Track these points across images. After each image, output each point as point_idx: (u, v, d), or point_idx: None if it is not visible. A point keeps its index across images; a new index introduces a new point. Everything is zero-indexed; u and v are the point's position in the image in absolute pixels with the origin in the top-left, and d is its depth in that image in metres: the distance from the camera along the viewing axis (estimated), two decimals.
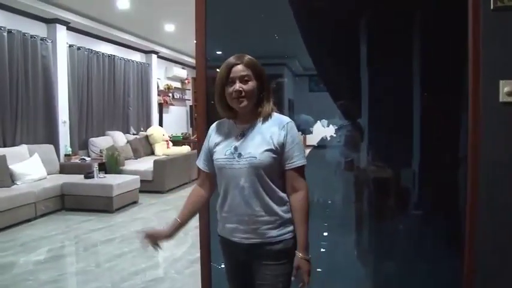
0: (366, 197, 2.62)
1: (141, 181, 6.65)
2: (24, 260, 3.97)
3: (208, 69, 2.35)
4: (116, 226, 5.24)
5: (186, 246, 4.22)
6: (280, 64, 2.73)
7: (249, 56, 1.63)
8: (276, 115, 1.67)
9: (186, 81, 11.75)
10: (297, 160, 1.61)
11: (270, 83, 1.69)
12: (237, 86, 1.58)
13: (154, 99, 10.04)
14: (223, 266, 1.84)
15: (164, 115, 10.60)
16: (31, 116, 6.35)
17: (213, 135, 1.73)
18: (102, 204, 5.82)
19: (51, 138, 6.73)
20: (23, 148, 5.99)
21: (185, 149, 9.41)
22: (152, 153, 8.88)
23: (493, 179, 1.92)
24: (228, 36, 2.50)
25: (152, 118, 9.94)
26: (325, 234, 2.64)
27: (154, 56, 9.97)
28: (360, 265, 2.68)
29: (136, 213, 5.97)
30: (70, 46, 7.20)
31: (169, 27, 8.17)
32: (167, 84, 10.73)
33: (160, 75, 10.55)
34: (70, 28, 7.16)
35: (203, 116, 2.38)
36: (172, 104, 11.04)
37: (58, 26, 6.79)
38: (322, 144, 2.54)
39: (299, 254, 1.60)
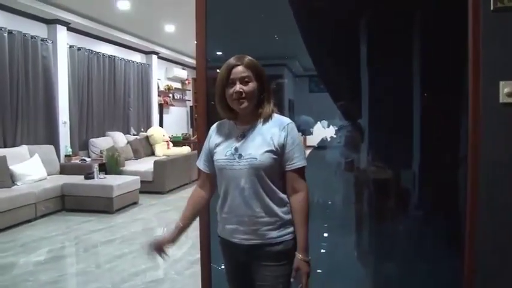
0: (366, 198, 2.61)
1: (142, 182, 6.65)
2: (24, 261, 3.97)
3: (208, 70, 2.35)
4: (116, 227, 5.24)
5: (186, 247, 4.22)
6: (281, 65, 2.73)
7: (250, 57, 1.63)
8: (276, 116, 1.67)
9: (187, 82, 11.75)
10: (297, 161, 1.61)
11: (270, 84, 1.69)
12: (237, 87, 1.58)
13: (155, 100, 10.04)
14: (223, 267, 1.84)
15: (164, 116, 10.60)
16: (31, 116, 6.35)
17: (213, 136, 1.73)
18: (103, 205, 5.82)
19: (52, 138, 6.74)
20: (23, 149, 6.00)
21: (185, 149, 9.41)
22: (152, 153, 8.88)
23: (493, 179, 1.92)
24: (229, 36, 2.50)
25: (152, 119, 9.95)
26: (325, 235, 2.64)
27: (154, 57, 9.98)
28: (360, 266, 2.68)
29: (136, 214, 5.97)
30: (70, 47, 7.21)
31: (170, 28, 8.17)
32: (167, 85, 10.73)
33: (161, 76, 10.55)
34: (70, 29, 7.17)
35: (203, 117, 2.37)
36: (172, 105, 11.05)
37: (58, 26, 6.80)
38: (323, 145, 2.54)
39: (299, 256, 1.59)
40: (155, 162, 7.27)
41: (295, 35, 2.47)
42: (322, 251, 2.57)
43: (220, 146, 1.67)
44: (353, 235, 2.68)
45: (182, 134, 10.94)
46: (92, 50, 7.78)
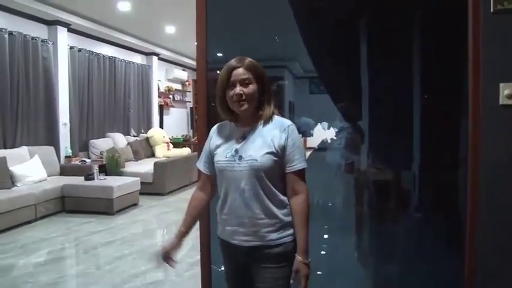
0: (366, 200, 2.61)
1: (142, 183, 6.65)
2: (24, 262, 3.97)
3: (209, 71, 2.35)
4: (116, 228, 5.23)
5: (186, 248, 4.20)
6: (281, 66, 2.73)
7: (250, 59, 1.63)
8: (277, 118, 1.66)
9: (187, 83, 11.76)
10: (297, 163, 1.60)
11: (270, 86, 1.69)
12: (238, 89, 1.58)
13: (155, 101, 10.04)
14: (223, 268, 1.84)
15: (165, 117, 10.61)
16: (31, 117, 6.35)
17: (214, 138, 1.73)
18: (103, 206, 5.82)
19: (52, 139, 6.74)
20: (23, 150, 5.99)
21: (185, 151, 9.41)
22: (153, 155, 8.88)
23: (493, 179, 1.92)
24: (229, 38, 2.50)
25: (153, 120, 9.95)
26: (326, 236, 2.64)
27: (155, 58, 9.98)
28: (360, 267, 2.68)
29: (136, 215, 5.96)
30: (71, 48, 7.22)
31: (170, 29, 8.18)
32: (168, 86, 10.73)
33: (161, 77, 10.56)
34: (71, 30, 7.18)
35: (204, 118, 2.37)
36: (172, 106, 11.05)
37: (59, 27, 6.80)
38: (323, 147, 2.54)
39: (298, 258, 1.59)
40: (155, 164, 7.27)
41: (295, 36, 2.48)
42: (322, 252, 2.57)
43: (220, 148, 1.67)
44: (353, 237, 2.68)
45: (182, 136, 10.94)
46: (92, 51, 7.79)
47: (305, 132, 2.57)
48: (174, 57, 10.69)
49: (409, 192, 2.53)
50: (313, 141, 2.58)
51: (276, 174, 1.60)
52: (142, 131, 9.37)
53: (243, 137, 1.63)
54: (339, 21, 2.49)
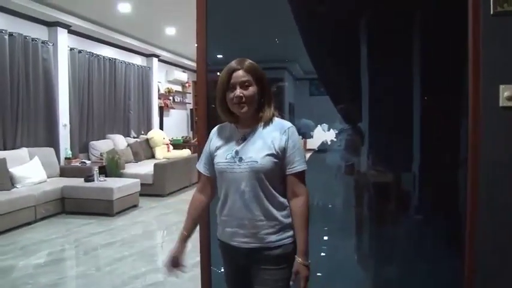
0: (366, 201, 2.61)
1: (142, 184, 6.64)
2: (24, 264, 3.97)
3: (209, 73, 2.35)
4: (116, 230, 5.23)
5: (186, 250, 4.21)
6: (281, 68, 2.73)
7: (250, 61, 1.63)
8: (277, 120, 1.67)
9: (187, 85, 11.76)
10: (297, 165, 1.61)
11: (270, 88, 1.69)
12: (238, 91, 1.58)
13: (155, 103, 10.05)
14: (223, 270, 1.84)
15: (165, 118, 10.61)
16: (31, 118, 6.35)
17: (214, 139, 1.73)
18: (103, 208, 5.82)
19: (52, 141, 6.74)
20: (23, 151, 5.99)
21: (185, 152, 9.41)
22: (153, 156, 8.88)
23: (493, 179, 1.92)
24: (229, 40, 2.50)
25: (153, 121, 9.95)
26: (325, 238, 2.64)
27: (155, 60, 9.99)
28: (360, 269, 2.68)
29: (136, 216, 5.96)
30: (71, 49, 7.22)
31: (170, 31, 8.19)
32: (168, 88, 10.74)
33: (161, 79, 10.56)
34: (71, 31, 7.18)
35: (204, 120, 2.38)
36: (172, 108, 11.05)
37: (59, 29, 6.81)
38: (323, 149, 2.54)
39: (298, 259, 1.59)
40: (155, 165, 7.27)
41: (295, 38, 2.48)
42: (322, 254, 2.57)
43: (220, 149, 1.67)
44: (353, 238, 2.68)
45: (182, 137, 10.95)
46: (92, 53, 7.80)
47: (305, 133, 2.57)
48: (174, 58, 10.70)
49: (409, 194, 2.53)
50: (313, 143, 2.58)
51: (276, 176, 1.60)
52: (143, 132, 9.37)
53: (243, 139, 1.64)
54: (339, 21, 2.49)
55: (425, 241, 2.43)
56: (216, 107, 1.68)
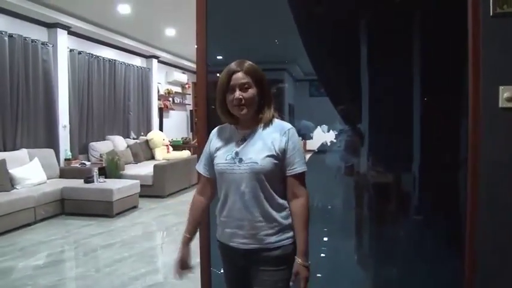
0: (366, 202, 2.61)
1: (141, 186, 6.64)
2: (24, 265, 3.96)
3: (208, 74, 2.35)
4: (116, 231, 5.23)
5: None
6: (281, 69, 2.73)
7: (250, 62, 1.63)
8: (277, 121, 1.67)
9: (187, 86, 11.77)
10: (297, 167, 1.61)
11: (270, 89, 1.69)
12: (237, 94, 1.58)
13: (155, 104, 10.05)
14: (222, 271, 1.84)
15: (164, 120, 10.61)
16: (31, 120, 6.35)
17: (214, 140, 1.73)
18: (102, 209, 5.81)
19: (51, 142, 6.73)
20: (23, 152, 5.99)
21: (185, 153, 9.40)
22: (152, 157, 8.87)
23: (493, 179, 1.92)
24: (229, 41, 2.51)
25: (152, 123, 9.95)
26: (325, 239, 2.64)
27: (154, 61, 9.99)
28: (360, 270, 2.68)
29: (136, 217, 5.96)
30: (71, 50, 7.22)
31: (170, 32, 8.19)
32: (167, 89, 10.74)
33: (161, 80, 10.56)
34: (71, 32, 7.18)
35: (203, 121, 2.38)
36: (172, 109, 11.05)
37: (59, 30, 6.81)
38: (323, 150, 2.55)
39: (298, 260, 1.59)
40: (155, 166, 7.27)
41: (295, 39, 2.48)
42: (322, 255, 2.57)
43: (220, 150, 1.67)
44: (353, 239, 2.68)
45: (182, 138, 10.94)
46: (92, 54, 7.80)
47: (305, 135, 2.57)
48: (174, 60, 10.70)
49: (409, 195, 2.53)
50: (313, 144, 2.58)
51: (276, 177, 1.61)
52: (142, 133, 9.37)
53: (243, 140, 1.64)
54: (339, 21, 2.49)
55: (426, 241, 2.43)
56: (216, 108, 1.69)
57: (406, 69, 2.39)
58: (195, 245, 2.39)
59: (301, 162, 1.62)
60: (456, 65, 2.17)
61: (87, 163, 7.15)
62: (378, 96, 2.47)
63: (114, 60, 8.49)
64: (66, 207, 5.91)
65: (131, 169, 7.55)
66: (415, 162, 2.42)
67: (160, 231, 5.48)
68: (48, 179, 6.11)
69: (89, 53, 7.71)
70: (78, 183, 6.05)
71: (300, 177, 1.63)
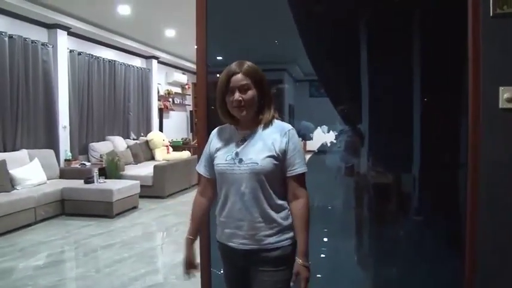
0: (366, 203, 2.61)
1: (141, 186, 6.64)
2: (24, 265, 3.96)
3: (208, 75, 2.35)
4: (115, 231, 5.23)
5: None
6: (281, 69, 2.74)
7: (249, 63, 1.62)
8: (277, 122, 1.67)
9: (187, 87, 11.76)
10: (298, 167, 1.61)
11: (270, 90, 1.69)
12: (237, 95, 1.58)
13: (155, 105, 10.05)
14: (222, 271, 1.84)
15: (164, 120, 10.61)
16: (31, 120, 6.35)
17: (214, 141, 1.73)
18: (102, 209, 5.81)
19: (52, 143, 6.73)
20: (23, 153, 5.99)
21: (185, 154, 9.40)
22: (152, 158, 8.87)
23: (493, 179, 1.93)
24: (229, 41, 2.51)
25: (152, 123, 9.95)
26: (325, 239, 2.64)
27: (154, 62, 9.99)
28: (360, 270, 2.68)
29: (136, 218, 5.96)
30: (71, 51, 7.22)
31: (170, 33, 8.19)
32: (167, 90, 10.74)
33: (161, 81, 10.56)
34: (71, 33, 7.18)
35: (203, 121, 2.38)
36: (172, 109, 11.05)
37: (59, 31, 6.81)
38: (323, 150, 2.55)
39: (299, 261, 1.59)
40: (155, 167, 7.26)
41: (295, 39, 2.48)
42: (322, 255, 2.57)
43: (220, 151, 1.67)
44: (353, 239, 2.68)
45: (182, 139, 10.93)
46: (92, 55, 7.80)
47: (305, 135, 2.57)
48: (173, 60, 10.71)
49: (409, 195, 2.53)
50: (313, 145, 2.58)
51: (276, 177, 1.61)
52: (142, 134, 9.37)
53: (243, 140, 1.64)
54: (338, 21, 2.50)
55: (426, 241, 2.43)
56: (216, 109, 1.69)
57: (406, 69, 2.39)
58: (195, 245, 2.40)
59: (302, 163, 1.62)
60: (456, 64, 2.17)
61: (87, 164, 7.15)
62: (377, 96, 2.47)
63: (114, 60, 8.49)
64: (66, 207, 5.91)
65: (131, 170, 7.54)
66: (415, 163, 2.42)
67: (160, 231, 5.48)
68: (48, 179, 6.11)
69: (89, 54, 7.71)
70: (78, 183, 6.05)
71: (300, 178, 1.63)
